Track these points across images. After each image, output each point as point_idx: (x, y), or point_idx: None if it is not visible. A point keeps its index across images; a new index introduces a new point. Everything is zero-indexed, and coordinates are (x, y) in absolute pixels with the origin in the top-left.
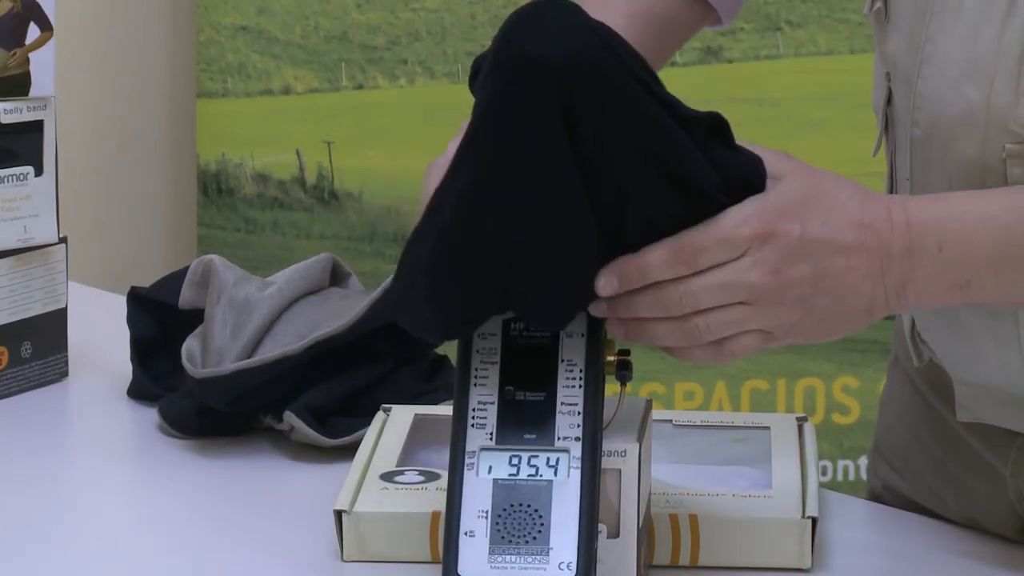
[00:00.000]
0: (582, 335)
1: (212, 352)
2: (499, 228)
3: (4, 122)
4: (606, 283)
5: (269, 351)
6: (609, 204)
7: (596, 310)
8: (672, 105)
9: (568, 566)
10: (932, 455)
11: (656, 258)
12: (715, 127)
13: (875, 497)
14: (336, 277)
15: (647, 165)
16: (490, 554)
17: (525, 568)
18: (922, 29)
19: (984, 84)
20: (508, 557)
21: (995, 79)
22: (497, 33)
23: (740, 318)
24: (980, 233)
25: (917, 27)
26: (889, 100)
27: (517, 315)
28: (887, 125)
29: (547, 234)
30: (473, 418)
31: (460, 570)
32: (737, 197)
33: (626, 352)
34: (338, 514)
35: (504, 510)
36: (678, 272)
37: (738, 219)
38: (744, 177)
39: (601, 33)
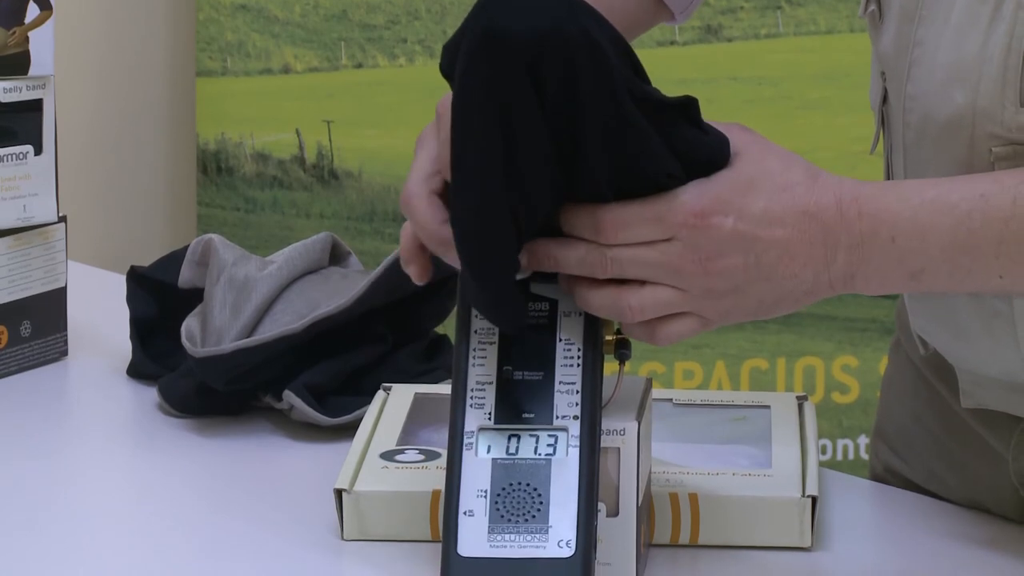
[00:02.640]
0: (580, 314)
1: (212, 331)
2: (484, 195)
3: (3, 101)
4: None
5: (269, 330)
6: (565, 170)
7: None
8: (642, 84)
9: (568, 544)
10: (934, 438)
11: (578, 221)
12: (685, 107)
13: (876, 479)
14: (336, 256)
15: (601, 141)
16: (489, 533)
17: (524, 546)
18: (911, 32)
19: (970, 89)
20: (508, 536)
21: (980, 84)
22: (472, 7)
23: (670, 300)
24: (937, 222)
25: (906, 30)
26: (885, 99)
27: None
28: (883, 124)
29: (527, 201)
30: (471, 398)
31: (460, 549)
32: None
33: None
34: (338, 493)
35: (503, 489)
36: (597, 240)
37: (673, 203)
38: (709, 159)
39: (576, 7)
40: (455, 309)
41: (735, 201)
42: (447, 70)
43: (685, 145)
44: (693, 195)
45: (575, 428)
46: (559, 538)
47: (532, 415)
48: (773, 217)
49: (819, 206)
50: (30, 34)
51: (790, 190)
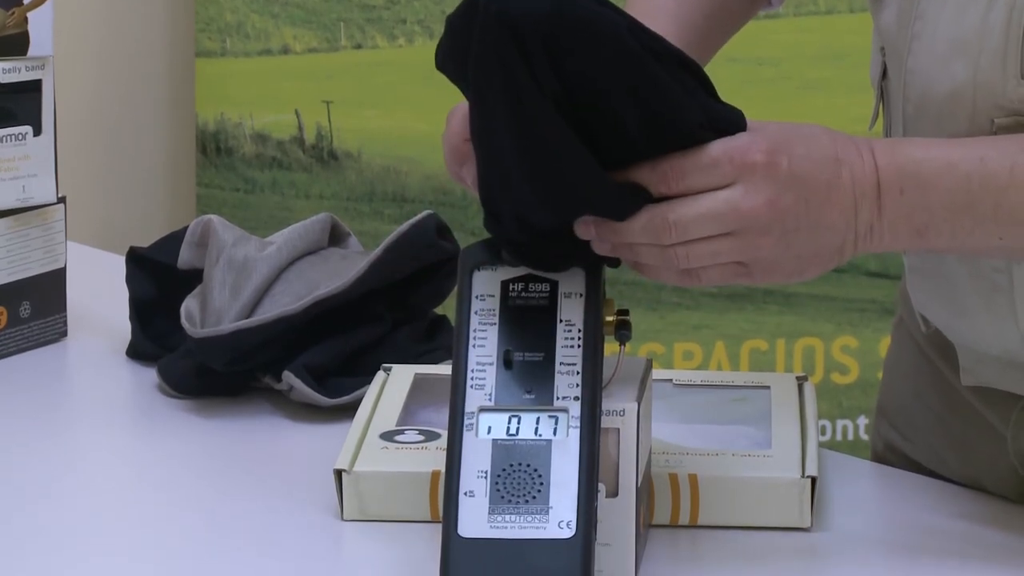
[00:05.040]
0: (581, 295)
1: (211, 312)
2: (503, 169)
3: (2, 82)
4: (585, 227)
5: (268, 311)
6: (594, 141)
7: (584, 232)
8: (656, 39)
9: (568, 525)
10: (935, 416)
11: (639, 176)
12: (701, 75)
13: (877, 457)
14: (335, 237)
15: (630, 102)
16: (490, 514)
17: (525, 527)
18: (912, 6)
19: (971, 62)
20: (508, 516)
21: (981, 57)
22: None
23: (721, 249)
24: (938, 180)
25: (907, 4)
26: (884, 74)
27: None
28: (883, 99)
29: (545, 176)
30: (472, 379)
31: (460, 530)
32: None
33: (625, 312)
34: (338, 473)
35: (503, 470)
36: (658, 190)
37: (730, 146)
38: (730, 125)
39: None
40: (455, 290)
41: (783, 146)
42: (442, 66)
43: (707, 107)
44: (748, 139)
45: (575, 409)
46: (559, 519)
47: (532, 396)
48: (814, 161)
49: (845, 152)
50: (29, 15)
51: (817, 139)
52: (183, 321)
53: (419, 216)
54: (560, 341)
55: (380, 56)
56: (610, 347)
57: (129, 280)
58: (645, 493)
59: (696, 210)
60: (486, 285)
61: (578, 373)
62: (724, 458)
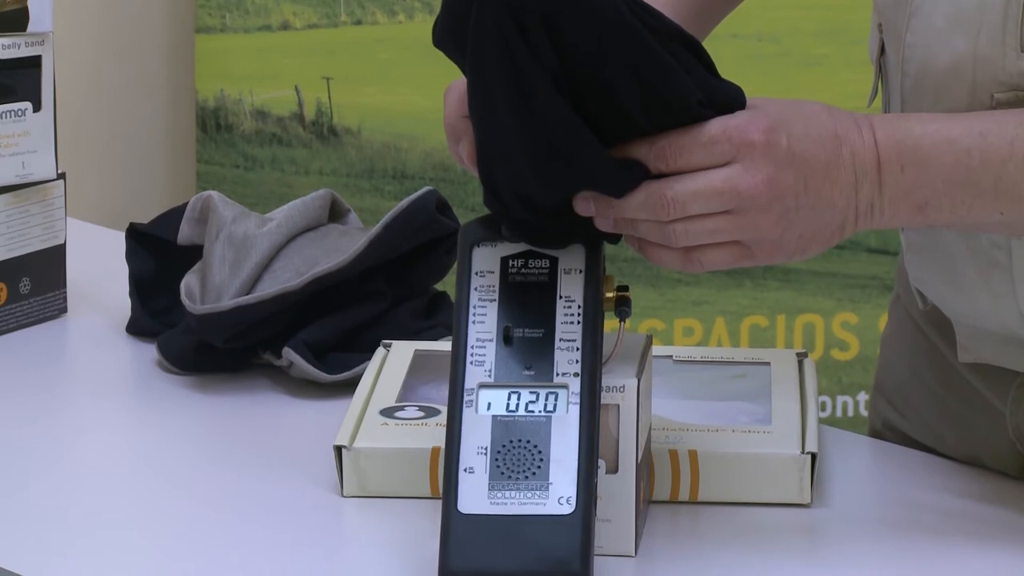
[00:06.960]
0: (580, 271)
1: (211, 288)
2: (503, 151)
3: (2, 58)
4: (583, 203)
5: (268, 287)
6: (593, 118)
7: (583, 207)
8: (653, 14)
9: (568, 501)
10: (932, 393)
11: (637, 152)
12: (698, 49)
13: (875, 434)
14: (335, 213)
15: (631, 83)
16: (490, 490)
17: (525, 503)
18: None
19: (971, 36)
20: (508, 493)
21: (981, 31)
22: None
23: (719, 227)
24: (938, 156)
25: None
26: (883, 51)
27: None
28: (881, 75)
29: (546, 155)
30: (472, 355)
31: (460, 506)
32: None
33: (625, 288)
34: (338, 450)
35: (503, 446)
36: (656, 167)
37: (728, 124)
38: (728, 101)
39: None
40: (455, 266)
41: (782, 124)
42: (439, 43)
43: (705, 83)
44: (747, 117)
45: (575, 385)
46: (559, 495)
47: (532, 372)
48: (813, 139)
49: (844, 129)
50: None
51: (816, 117)
52: (183, 297)
53: (419, 192)
54: (560, 317)
55: (380, 32)
56: (610, 323)
57: (129, 256)
58: (645, 469)
59: (694, 187)
60: (486, 261)
61: (578, 349)
62: (724, 434)
